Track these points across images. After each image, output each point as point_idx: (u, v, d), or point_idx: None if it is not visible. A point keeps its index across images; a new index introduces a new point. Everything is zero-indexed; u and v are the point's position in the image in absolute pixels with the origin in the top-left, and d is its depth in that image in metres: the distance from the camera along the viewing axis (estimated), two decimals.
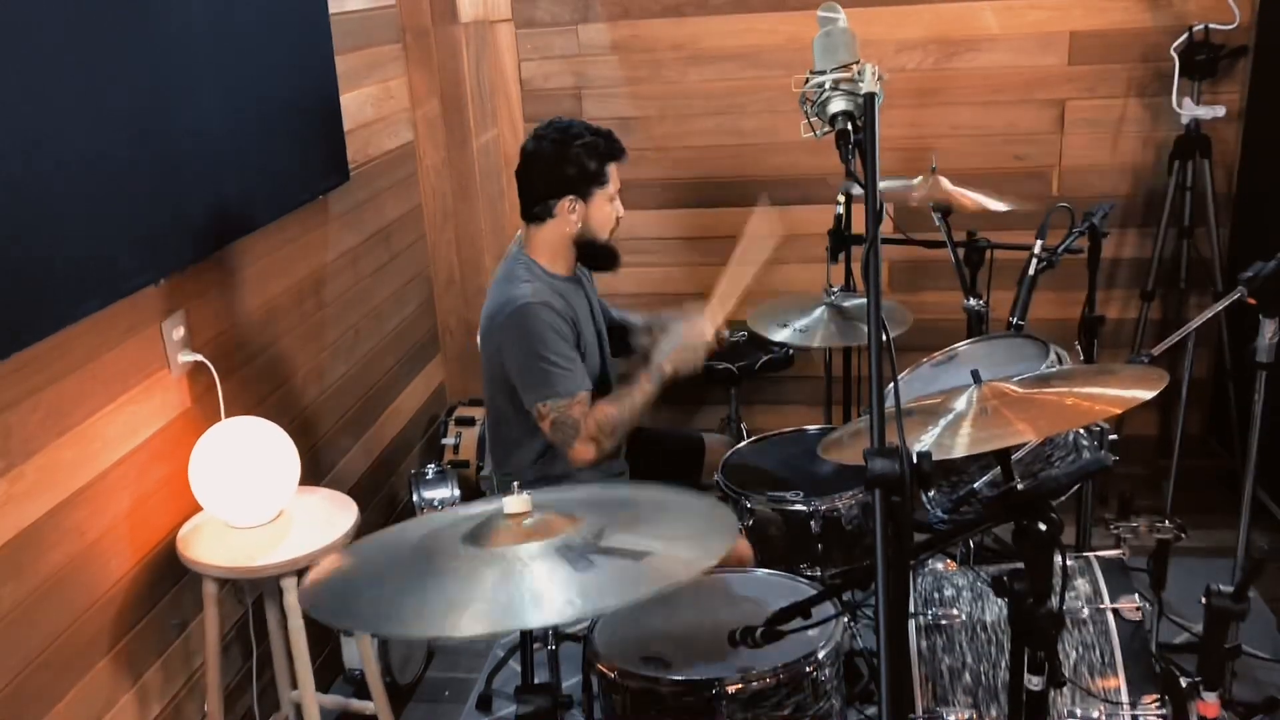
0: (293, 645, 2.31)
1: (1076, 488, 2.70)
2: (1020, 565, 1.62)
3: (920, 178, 3.03)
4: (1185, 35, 3.40)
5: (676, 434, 3.12)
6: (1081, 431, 2.23)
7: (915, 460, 1.32)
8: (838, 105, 1.70)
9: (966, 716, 1.93)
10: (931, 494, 2.33)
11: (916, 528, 2.02)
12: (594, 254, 2.70)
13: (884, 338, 1.39)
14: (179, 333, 2.36)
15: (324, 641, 2.94)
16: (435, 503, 3.22)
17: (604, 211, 2.65)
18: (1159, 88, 3.55)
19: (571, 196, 2.60)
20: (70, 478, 2.06)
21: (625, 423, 2.58)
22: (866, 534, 2.51)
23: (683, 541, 1.63)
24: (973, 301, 2.88)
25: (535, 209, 2.63)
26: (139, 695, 2.25)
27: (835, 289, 3.10)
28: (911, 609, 2.01)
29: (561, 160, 2.58)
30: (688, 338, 2.65)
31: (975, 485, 2.25)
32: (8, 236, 1.82)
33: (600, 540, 1.57)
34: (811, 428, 2.89)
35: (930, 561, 2.16)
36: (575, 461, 2.54)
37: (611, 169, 2.63)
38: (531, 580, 1.48)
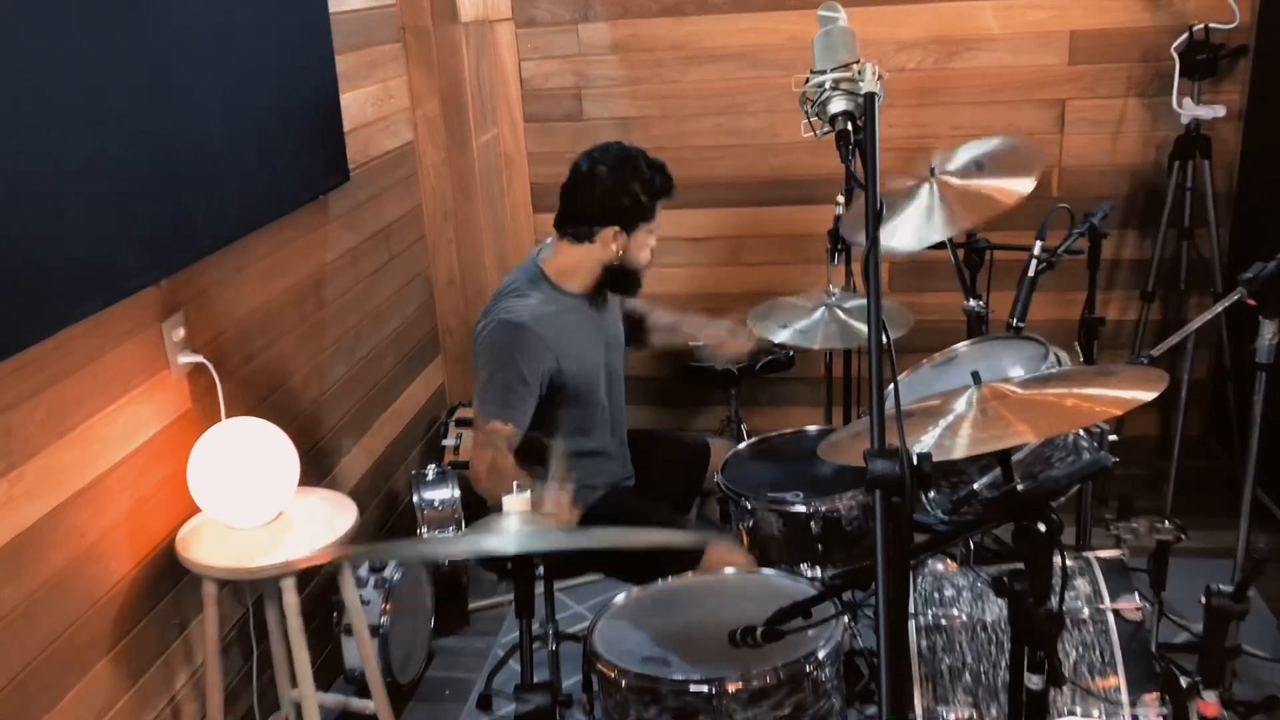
0: (292, 645, 2.31)
1: (1076, 489, 2.70)
2: (1020, 566, 1.62)
3: (925, 185, 3.02)
4: (1185, 35, 3.40)
5: (682, 439, 3.11)
6: (1081, 432, 2.23)
7: (915, 461, 1.32)
8: (838, 105, 1.70)
9: (966, 716, 1.93)
10: (931, 495, 2.33)
11: (916, 528, 2.02)
12: (619, 279, 2.70)
13: (884, 339, 1.39)
14: (179, 333, 2.36)
15: (324, 641, 2.94)
16: (436, 504, 3.21)
17: (644, 244, 2.66)
18: (1159, 88, 3.54)
19: (617, 228, 2.59)
20: (70, 478, 2.06)
21: (500, 483, 2.25)
22: (866, 535, 2.51)
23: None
24: (973, 302, 2.87)
25: (577, 229, 2.62)
26: (139, 695, 2.25)
27: (836, 290, 3.10)
28: (911, 609, 2.01)
29: (617, 190, 2.57)
30: (548, 508, 2.32)
31: (975, 486, 2.25)
32: (8, 236, 1.82)
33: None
34: (812, 428, 2.89)
35: (930, 562, 2.16)
36: (470, 472, 2.58)
37: (659, 208, 2.63)
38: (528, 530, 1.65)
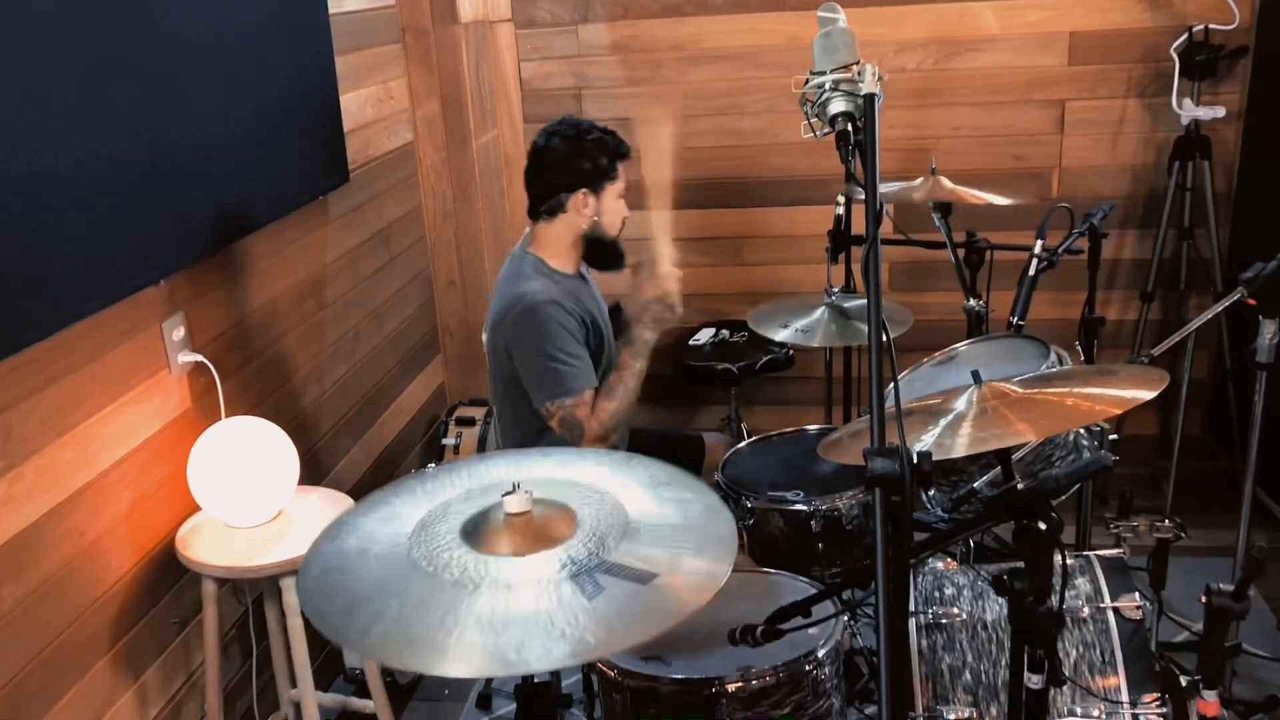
0: (292, 645, 2.31)
1: (1077, 487, 2.70)
2: (1020, 564, 1.62)
3: (920, 179, 3.03)
4: (1185, 35, 3.41)
5: (676, 434, 3.12)
6: (1082, 431, 2.23)
7: (915, 460, 1.32)
8: (838, 106, 1.71)
9: (966, 715, 1.93)
10: (932, 493, 2.33)
11: (917, 527, 2.02)
12: (601, 252, 2.72)
13: (884, 338, 1.39)
14: (179, 333, 2.36)
15: (324, 641, 2.94)
16: None
17: (614, 207, 2.68)
18: (1159, 88, 3.55)
19: (585, 190, 2.62)
20: (70, 478, 2.06)
21: (625, 409, 2.58)
22: (867, 533, 2.51)
23: (687, 553, 1.55)
24: (973, 302, 2.88)
25: (546, 205, 2.65)
26: (138, 695, 2.25)
27: (836, 289, 3.10)
28: (912, 608, 2.01)
29: (576, 155, 2.61)
30: (651, 294, 2.57)
31: (975, 484, 2.25)
32: (8, 236, 1.83)
33: (603, 553, 1.50)
34: (812, 427, 2.89)
35: (930, 560, 2.16)
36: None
37: (621, 167, 2.67)
38: (538, 618, 1.37)
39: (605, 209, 2.66)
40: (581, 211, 2.63)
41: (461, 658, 1.31)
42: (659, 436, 3.07)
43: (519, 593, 1.40)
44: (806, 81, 1.76)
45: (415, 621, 1.36)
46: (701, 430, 3.15)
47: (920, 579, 2.10)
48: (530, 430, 2.66)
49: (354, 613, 1.42)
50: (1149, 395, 1.73)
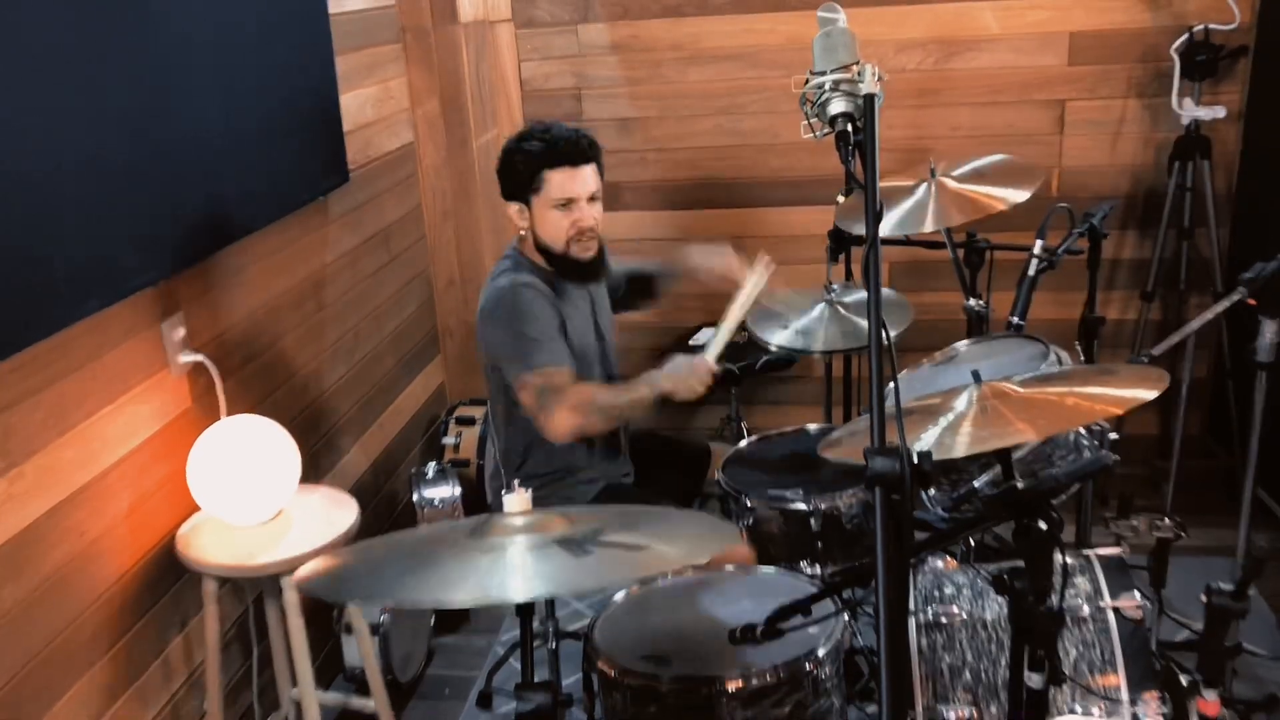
0: (293, 643, 2.31)
1: (1077, 487, 2.71)
2: (1020, 563, 1.62)
3: (924, 183, 3.02)
4: (1185, 35, 3.41)
5: (683, 440, 3.11)
6: (1082, 431, 2.23)
7: (916, 459, 1.32)
8: (838, 106, 1.70)
9: (966, 714, 1.93)
10: (932, 492, 2.33)
11: (917, 526, 2.02)
12: (558, 263, 2.63)
13: (884, 338, 1.39)
14: (179, 333, 2.36)
15: (324, 640, 2.94)
16: (436, 502, 3.22)
17: (548, 219, 2.56)
18: (1159, 88, 3.55)
19: (519, 204, 2.59)
20: (70, 477, 2.06)
21: (610, 411, 2.51)
22: (867, 532, 2.51)
23: (679, 540, 1.66)
24: (973, 302, 2.88)
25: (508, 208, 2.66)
26: (139, 694, 2.25)
27: (835, 286, 3.09)
28: (912, 607, 2.01)
29: (504, 166, 2.59)
30: (690, 369, 2.54)
31: (976, 484, 2.25)
32: (8, 236, 1.83)
33: (599, 536, 1.58)
34: (812, 427, 2.89)
35: (930, 559, 2.16)
36: (553, 432, 2.43)
37: (551, 176, 2.53)
38: (528, 561, 1.52)
39: (538, 220, 2.57)
40: (519, 222, 2.61)
41: (446, 596, 1.49)
42: (666, 442, 3.06)
43: (511, 551, 1.55)
44: (806, 81, 1.76)
45: (413, 575, 1.54)
46: (702, 431, 3.14)
47: (920, 578, 2.11)
48: (527, 430, 2.66)
49: (362, 576, 1.66)
50: (1149, 395, 1.73)
